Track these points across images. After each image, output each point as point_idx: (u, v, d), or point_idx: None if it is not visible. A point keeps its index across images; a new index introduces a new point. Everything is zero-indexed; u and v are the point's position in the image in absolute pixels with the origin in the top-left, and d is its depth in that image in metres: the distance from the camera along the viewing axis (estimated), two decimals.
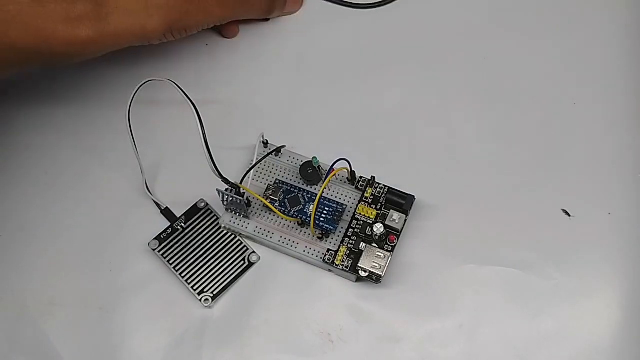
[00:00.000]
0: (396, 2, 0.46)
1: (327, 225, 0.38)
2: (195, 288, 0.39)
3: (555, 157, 0.41)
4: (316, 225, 0.38)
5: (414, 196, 0.39)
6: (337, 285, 0.39)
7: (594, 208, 0.39)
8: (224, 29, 0.44)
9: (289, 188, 0.40)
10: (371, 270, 0.37)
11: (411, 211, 0.39)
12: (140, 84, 0.36)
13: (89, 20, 0.31)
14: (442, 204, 0.40)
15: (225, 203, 0.39)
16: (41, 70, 0.46)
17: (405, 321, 0.38)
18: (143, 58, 0.45)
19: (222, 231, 0.40)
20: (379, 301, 0.38)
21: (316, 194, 0.39)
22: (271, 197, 0.39)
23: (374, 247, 0.38)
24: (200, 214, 0.41)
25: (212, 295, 0.39)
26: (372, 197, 0.39)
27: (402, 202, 0.38)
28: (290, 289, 0.39)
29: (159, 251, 0.40)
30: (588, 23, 0.44)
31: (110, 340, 0.38)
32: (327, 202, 0.39)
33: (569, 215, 0.39)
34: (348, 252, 0.38)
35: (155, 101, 0.42)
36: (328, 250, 0.38)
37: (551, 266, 0.37)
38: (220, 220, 0.40)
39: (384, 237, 0.38)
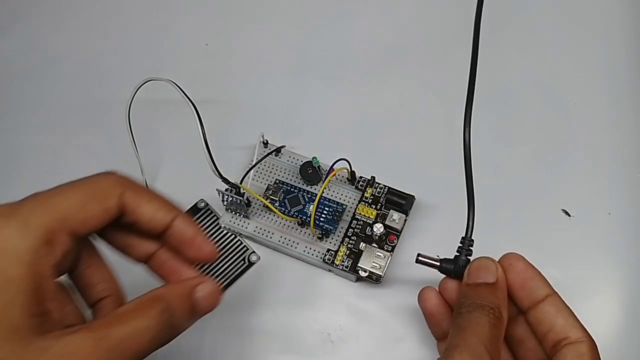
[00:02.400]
0: (395, 1, 0.46)
1: (327, 225, 0.38)
2: None
3: (555, 157, 0.41)
4: (316, 225, 0.38)
5: (414, 196, 0.39)
6: (337, 285, 0.39)
7: (594, 208, 0.39)
8: None
9: (289, 188, 0.40)
10: (371, 270, 0.37)
11: (411, 211, 0.39)
12: (140, 84, 0.36)
13: None
14: (442, 204, 0.40)
15: (225, 203, 0.39)
16: (41, 72, 0.46)
17: (405, 321, 0.38)
18: (142, 57, 0.45)
19: (222, 231, 0.40)
20: (379, 301, 0.38)
21: (316, 194, 0.39)
22: (271, 197, 0.39)
23: (374, 247, 0.38)
24: (200, 214, 0.41)
25: None
26: (372, 197, 0.39)
27: (402, 202, 0.38)
28: (290, 289, 0.39)
29: None
30: (588, 23, 0.44)
31: None
32: (327, 202, 0.39)
33: (569, 215, 0.39)
34: (348, 252, 0.38)
35: (155, 101, 0.42)
36: (328, 250, 0.38)
37: (551, 266, 0.37)
38: (220, 220, 0.40)
39: (384, 237, 0.38)
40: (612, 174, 0.40)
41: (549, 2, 0.45)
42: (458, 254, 0.33)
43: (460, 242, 0.34)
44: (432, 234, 0.39)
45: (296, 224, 0.39)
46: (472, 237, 0.33)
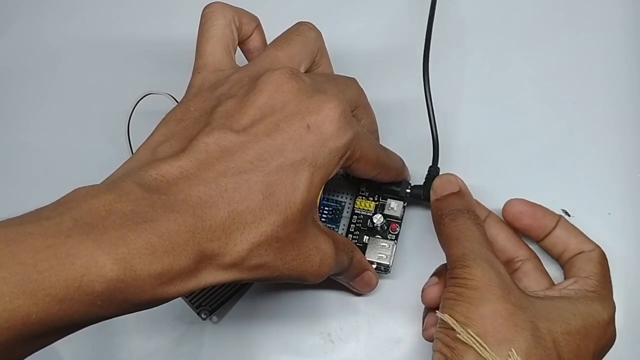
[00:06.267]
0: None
1: (329, 225, 0.38)
2: (193, 301, 0.37)
3: (555, 157, 0.41)
4: None
5: (408, 181, 0.38)
6: (337, 285, 0.39)
7: (594, 208, 0.39)
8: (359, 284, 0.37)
9: None
10: (378, 261, 0.37)
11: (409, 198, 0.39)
12: (140, 97, 0.36)
13: (180, 279, 0.25)
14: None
15: None
16: (42, 73, 0.46)
17: (406, 321, 0.38)
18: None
19: None
20: (379, 301, 0.39)
21: None
22: None
23: (378, 238, 0.38)
24: None
25: (210, 309, 0.38)
26: (367, 189, 0.39)
27: (397, 189, 0.38)
28: (290, 288, 0.39)
29: None
30: (588, 23, 0.44)
31: (111, 340, 0.38)
32: (325, 202, 0.39)
33: (569, 215, 0.39)
34: None
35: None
36: None
37: (551, 266, 0.37)
38: None
39: (386, 227, 0.38)
40: (612, 174, 0.40)
41: (548, 1, 0.45)
42: (426, 181, 0.38)
43: (428, 171, 0.38)
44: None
45: None
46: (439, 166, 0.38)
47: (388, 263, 0.37)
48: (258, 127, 0.27)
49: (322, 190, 0.36)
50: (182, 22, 0.40)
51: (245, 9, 0.34)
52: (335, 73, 0.36)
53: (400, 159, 0.37)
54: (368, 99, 0.36)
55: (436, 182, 0.36)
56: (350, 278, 0.36)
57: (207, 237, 0.25)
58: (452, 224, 0.33)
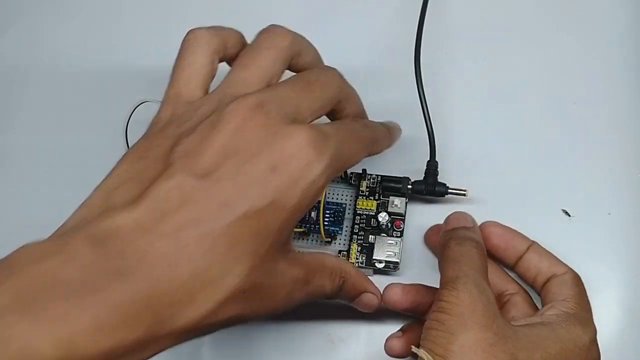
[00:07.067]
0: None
1: (332, 228, 0.38)
2: None
3: (555, 157, 0.41)
4: (324, 231, 0.38)
5: (408, 178, 0.39)
6: None
7: (594, 208, 0.39)
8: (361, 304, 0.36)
9: None
10: (387, 259, 0.37)
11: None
12: (136, 105, 0.37)
13: (133, 352, 0.23)
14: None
15: None
16: (41, 73, 0.46)
17: (406, 321, 0.38)
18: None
19: None
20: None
21: None
22: None
23: (383, 236, 0.38)
24: None
25: None
26: (367, 189, 0.39)
27: (398, 186, 0.38)
28: None
29: None
30: (588, 23, 0.44)
31: None
32: (326, 205, 0.39)
33: (569, 215, 0.39)
34: (359, 248, 0.38)
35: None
36: (339, 251, 0.38)
37: None
38: None
39: (390, 225, 0.38)
40: (612, 174, 0.40)
41: (548, 1, 0.45)
42: (425, 175, 0.38)
43: (426, 166, 0.38)
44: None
45: (299, 234, 0.39)
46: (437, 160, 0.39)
47: (397, 260, 0.37)
48: (220, 171, 0.25)
49: (325, 192, 0.36)
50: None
51: (233, 21, 0.33)
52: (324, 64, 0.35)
53: (383, 128, 0.35)
54: (351, 85, 0.34)
55: (451, 216, 0.36)
56: (347, 301, 0.35)
57: (166, 301, 0.23)
58: (457, 247, 0.33)
